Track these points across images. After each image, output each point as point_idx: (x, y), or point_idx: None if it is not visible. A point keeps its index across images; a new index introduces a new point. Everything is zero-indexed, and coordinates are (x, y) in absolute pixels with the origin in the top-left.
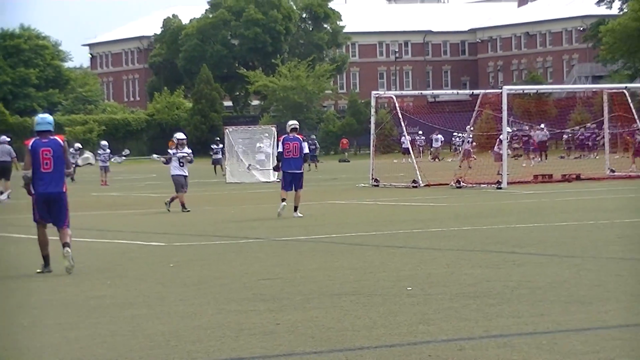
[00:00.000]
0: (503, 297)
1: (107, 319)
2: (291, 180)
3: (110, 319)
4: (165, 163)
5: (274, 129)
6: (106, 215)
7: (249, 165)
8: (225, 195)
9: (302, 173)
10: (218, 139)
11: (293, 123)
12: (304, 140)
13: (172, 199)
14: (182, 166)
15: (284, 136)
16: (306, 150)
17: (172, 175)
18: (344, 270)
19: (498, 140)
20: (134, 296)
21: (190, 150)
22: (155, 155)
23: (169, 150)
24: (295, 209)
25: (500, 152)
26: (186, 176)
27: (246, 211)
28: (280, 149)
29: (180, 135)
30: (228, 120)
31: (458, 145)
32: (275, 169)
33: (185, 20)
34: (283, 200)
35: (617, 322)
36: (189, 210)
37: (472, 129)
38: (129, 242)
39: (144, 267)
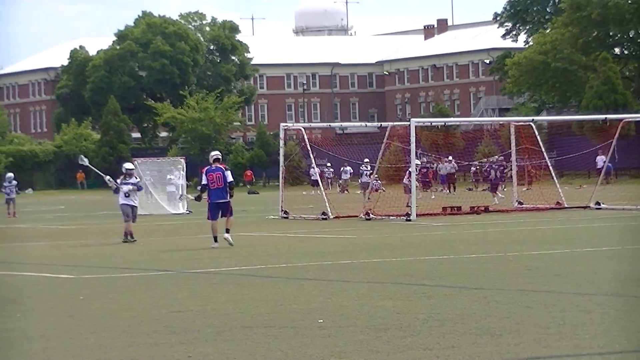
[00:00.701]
0: (414, 329)
1: (16, 352)
2: (219, 210)
3: (20, 353)
4: (114, 192)
5: (183, 160)
6: (14, 248)
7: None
8: (134, 228)
9: (229, 202)
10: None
11: (215, 154)
12: (226, 170)
13: (126, 231)
14: (128, 197)
15: (206, 168)
16: (230, 179)
17: (120, 205)
18: (255, 302)
19: (408, 172)
20: (43, 329)
21: (137, 180)
22: (108, 178)
23: (117, 180)
24: (227, 230)
25: (409, 184)
26: (134, 206)
27: (155, 243)
28: (204, 181)
29: (128, 165)
30: (136, 151)
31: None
32: (197, 198)
33: (92, 52)
34: (215, 239)
35: (527, 354)
36: (135, 240)
37: (367, 160)
38: (37, 275)
39: (53, 300)
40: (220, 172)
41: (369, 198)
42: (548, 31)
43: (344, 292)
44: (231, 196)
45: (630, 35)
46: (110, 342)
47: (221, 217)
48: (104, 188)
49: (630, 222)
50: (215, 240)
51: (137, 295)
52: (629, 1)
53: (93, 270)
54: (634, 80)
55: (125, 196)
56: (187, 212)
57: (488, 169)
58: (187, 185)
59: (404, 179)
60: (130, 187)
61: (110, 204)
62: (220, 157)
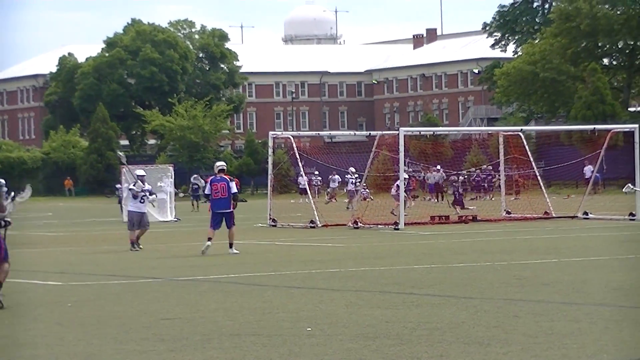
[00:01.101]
0: (402, 337)
1: (5, 359)
2: (221, 220)
3: None
4: (134, 197)
5: (171, 168)
6: None
7: (182, 192)
8: (123, 235)
9: (232, 212)
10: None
11: (220, 164)
12: (231, 180)
13: (131, 240)
14: (143, 203)
15: (211, 177)
16: (234, 190)
17: (129, 211)
18: (244, 310)
19: (396, 185)
20: (32, 336)
21: (150, 187)
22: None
23: (134, 187)
24: (231, 245)
25: (398, 193)
26: (144, 213)
27: (143, 250)
28: (207, 191)
29: (140, 172)
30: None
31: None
32: (206, 196)
33: (81, 59)
34: (209, 239)
35: None
36: (139, 249)
37: (353, 170)
38: (26, 281)
39: (41, 307)
40: (225, 182)
41: (348, 207)
42: (537, 41)
43: (333, 301)
44: (234, 207)
45: (619, 46)
46: (98, 349)
47: (226, 227)
48: (92, 195)
49: (618, 232)
50: (209, 240)
51: (125, 302)
52: (618, 12)
53: (81, 277)
54: (622, 91)
55: (141, 202)
56: (176, 219)
57: (450, 184)
58: (175, 192)
59: (392, 191)
60: (154, 196)
61: (98, 212)
62: (225, 167)
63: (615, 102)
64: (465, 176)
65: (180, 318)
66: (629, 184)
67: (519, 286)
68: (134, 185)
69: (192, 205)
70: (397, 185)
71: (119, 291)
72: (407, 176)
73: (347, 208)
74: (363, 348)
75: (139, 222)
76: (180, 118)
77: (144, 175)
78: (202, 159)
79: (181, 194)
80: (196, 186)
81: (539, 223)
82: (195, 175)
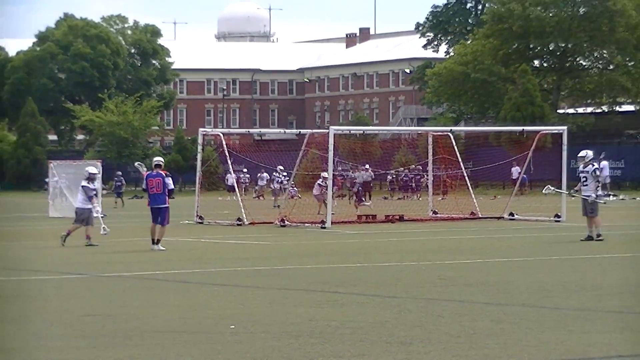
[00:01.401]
0: (325, 336)
1: None
2: (158, 215)
3: None
4: (88, 196)
5: (99, 163)
6: None
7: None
8: (47, 230)
9: (167, 207)
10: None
11: (157, 159)
12: (167, 176)
13: (69, 233)
14: (90, 200)
15: (147, 172)
16: (171, 187)
17: (78, 207)
18: (167, 307)
19: (317, 184)
20: None
21: (96, 187)
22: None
23: (89, 185)
24: (157, 242)
25: (320, 193)
26: (91, 209)
27: (68, 246)
28: (144, 186)
29: (92, 170)
30: (52, 154)
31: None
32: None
33: (11, 53)
34: (153, 241)
35: None
36: (94, 245)
37: (281, 168)
38: None
39: None
40: (160, 177)
41: (278, 205)
42: (469, 42)
43: (257, 299)
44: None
45: (550, 48)
46: (20, 345)
47: (159, 223)
48: (18, 190)
49: (543, 233)
50: (154, 243)
51: (47, 298)
52: (550, 14)
53: (4, 273)
54: (551, 93)
55: (89, 199)
56: (102, 215)
57: (351, 181)
58: (102, 188)
59: (314, 190)
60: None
61: (24, 207)
62: (161, 163)
63: (545, 104)
64: (394, 175)
65: (103, 315)
66: (548, 186)
67: (443, 286)
68: (87, 182)
69: (115, 202)
70: (319, 184)
71: (41, 287)
72: (325, 175)
73: (274, 206)
74: (286, 346)
75: (87, 218)
76: (110, 114)
77: (96, 173)
78: (130, 155)
79: (104, 192)
80: (119, 183)
81: (465, 223)
82: (118, 172)
